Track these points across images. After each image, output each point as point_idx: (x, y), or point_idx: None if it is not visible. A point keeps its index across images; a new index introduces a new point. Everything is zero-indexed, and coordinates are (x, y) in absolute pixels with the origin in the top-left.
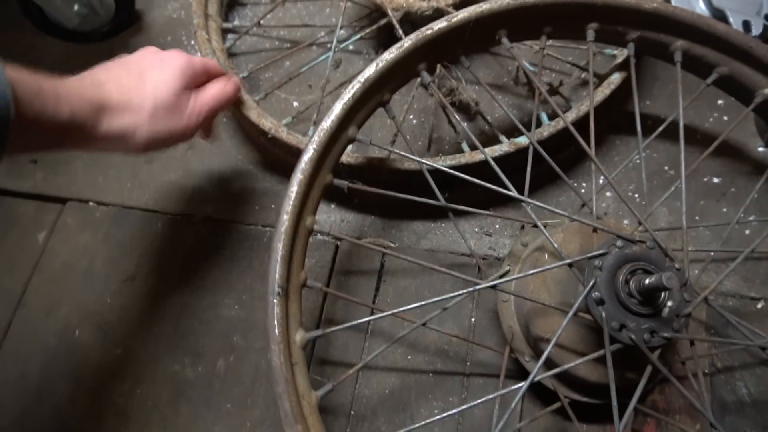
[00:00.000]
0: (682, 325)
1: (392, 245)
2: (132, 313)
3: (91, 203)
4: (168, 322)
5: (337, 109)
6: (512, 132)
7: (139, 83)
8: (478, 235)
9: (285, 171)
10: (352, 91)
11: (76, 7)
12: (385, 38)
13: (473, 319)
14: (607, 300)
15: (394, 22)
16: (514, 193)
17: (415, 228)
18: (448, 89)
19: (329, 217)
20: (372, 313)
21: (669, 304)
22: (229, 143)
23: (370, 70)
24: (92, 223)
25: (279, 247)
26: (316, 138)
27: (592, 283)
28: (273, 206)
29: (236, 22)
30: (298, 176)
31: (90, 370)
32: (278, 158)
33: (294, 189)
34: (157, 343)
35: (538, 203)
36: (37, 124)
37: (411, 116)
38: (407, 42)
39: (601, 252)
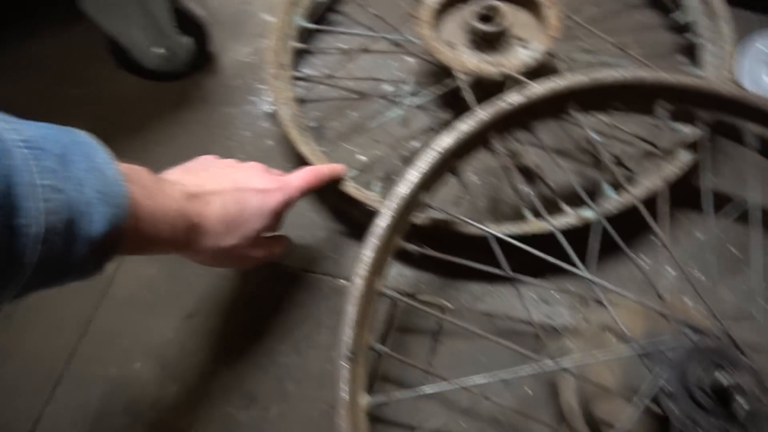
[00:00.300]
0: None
1: (449, 306)
2: (190, 350)
3: None
4: (224, 364)
5: (413, 175)
6: (571, 198)
7: (238, 219)
8: (536, 302)
9: (346, 221)
10: (430, 160)
11: (158, 50)
12: (452, 98)
13: (529, 390)
14: (678, 394)
15: (463, 85)
16: (583, 273)
17: (473, 289)
18: (511, 152)
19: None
20: (427, 376)
21: (744, 406)
22: None
23: (448, 140)
24: (159, 258)
25: (352, 311)
26: (393, 204)
27: (661, 374)
28: (334, 255)
29: (306, 70)
30: (374, 241)
31: (147, 403)
32: (340, 208)
33: (368, 253)
34: (213, 383)
35: (606, 284)
36: (138, 240)
37: (471, 176)
38: (483, 114)
39: (671, 342)
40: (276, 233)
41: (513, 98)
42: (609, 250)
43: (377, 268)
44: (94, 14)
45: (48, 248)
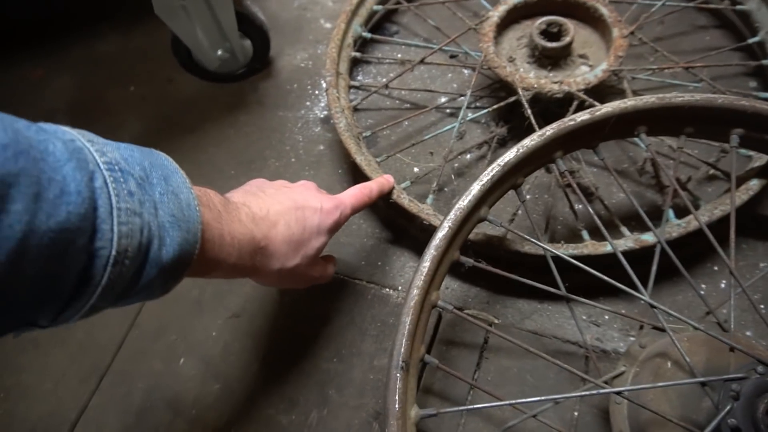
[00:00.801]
0: None
1: (496, 321)
2: (234, 350)
3: None
4: (267, 365)
5: (475, 189)
6: (629, 219)
7: (301, 239)
8: (586, 323)
9: (394, 230)
10: (491, 174)
11: (219, 52)
12: (507, 112)
13: (576, 413)
14: (744, 428)
15: (524, 101)
16: (643, 296)
17: (520, 306)
18: (569, 170)
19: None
20: (470, 391)
21: None
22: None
23: (511, 155)
24: None
25: (407, 321)
26: (452, 216)
27: (728, 408)
28: (379, 263)
29: (361, 78)
30: (432, 252)
31: (190, 399)
32: (390, 217)
33: (426, 265)
34: (255, 385)
35: (668, 310)
36: (206, 262)
37: (527, 193)
38: (549, 131)
39: (739, 376)
40: (325, 254)
41: (580, 117)
42: (664, 276)
43: (434, 280)
44: (164, 16)
45: (118, 270)
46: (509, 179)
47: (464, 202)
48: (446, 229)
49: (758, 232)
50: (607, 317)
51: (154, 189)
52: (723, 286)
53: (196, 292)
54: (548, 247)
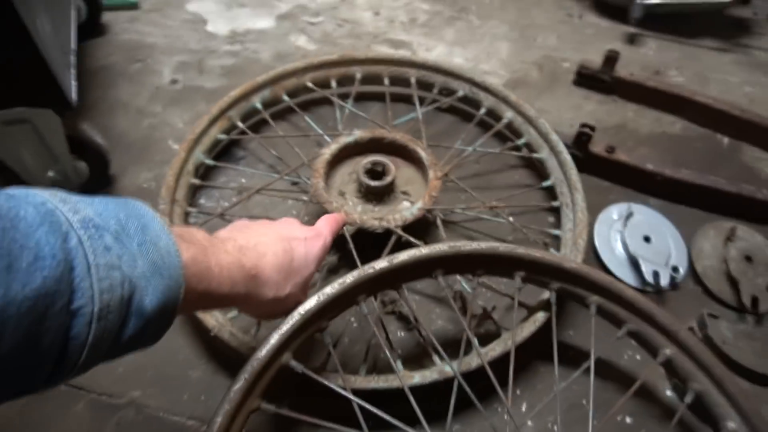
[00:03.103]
0: None
1: None
2: None
3: None
4: None
5: (274, 339)
6: (446, 346)
7: (290, 268)
8: None
9: (222, 361)
10: (291, 323)
11: (51, 173)
12: (338, 241)
13: None
14: None
15: (347, 235)
16: None
17: None
18: (390, 299)
19: (258, 416)
20: None
21: None
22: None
23: (311, 303)
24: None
25: None
26: (248, 368)
27: None
28: (203, 398)
29: (203, 202)
30: (225, 407)
31: None
32: (217, 348)
33: (218, 420)
34: None
35: None
36: (199, 296)
37: (352, 319)
38: (349, 278)
39: None
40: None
41: (379, 265)
42: (480, 399)
43: None
44: None
45: (102, 326)
46: (313, 324)
47: (262, 352)
48: (242, 381)
49: (553, 356)
50: None
51: (131, 240)
52: (524, 409)
53: None
54: (352, 396)
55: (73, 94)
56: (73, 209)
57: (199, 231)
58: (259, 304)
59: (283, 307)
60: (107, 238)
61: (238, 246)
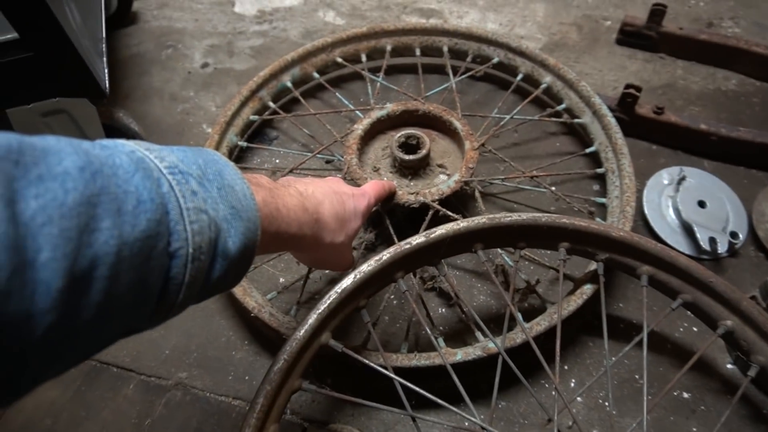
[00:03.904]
0: None
1: None
2: None
3: None
4: None
5: (312, 319)
6: (489, 321)
7: (344, 217)
8: (446, 430)
9: (264, 342)
10: (328, 302)
11: None
12: (375, 219)
13: None
14: None
15: (382, 211)
16: (476, 420)
17: (384, 418)
18: (430, 275)
19: (300, 396)
20: None
21: None
22: (213, 307)
23: (348, 281)
24: (63, 379)
25: None
26: (287, 348)
27: None
28: (247, 378)
29: None
30: (266, 387)
31: None
32: (258, 330)
33: (260, 401)
34: None
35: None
36: (270, 236)
37: (392, 297)
38: (386, 255)
39: None
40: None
41: (416, 240)
42: (525, 375)
43: (269, 415)
44: (23, 130)
45: (196, 267)
46: (350, 303)
47: (301, 332)
48: (281, 362)
49: (602, 329)
50: (467, 423)
51: (212, 185)
52: (573, 385)
53: (48, 421)
54: (393, 375)
55: (106, 82)
56: (159, 156)
57: (262, 176)
58: (319, 247)
59: (335, 256)
60: (192, 183)
61: (299, 192)
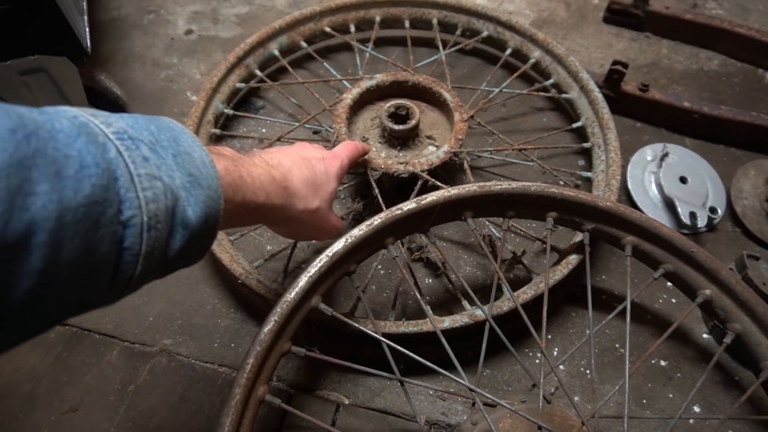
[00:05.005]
0: None
1: (346, 401)
2: None
3: None
4: None
5: (302, 281)
6: (476, 291)
7: (315, 182)
8: (432, 398)
9: (250, 310)
10: (319, 265)
11: None
12: (363, 189)
13: None
14: None
15: (372, 180)
16: (462, 381)
17: (370, 384)
18: (418, 246)
19: (286, 362)
20: None
21: None
22: (198, 275)
23: (339, 245)
24: (44, 344)
25: (226, 423)
26: (278, 310)
27: None
28: (232, 345)
29: None
30: (256, 348)
31: None
32: (245, 297)
33: (250, 361)
34: None
35: (483, 393)
36: (236, 208)
37: (379, 266)
38: (377, 220)
39: None
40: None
41: (407, 206)
42: (505, 347)
43: (260, 376)
44: (4, 92)
45: (153, 236)
46: (340, 267)
47: (291, 294)
48: (272, 323)
49: (585, 300)
50: (453, 388)
51: (166, 152)
52: (556, 353)
53: (28, 386)
54: (382, 339)
55: (87, 41)
56: (106, 122)
57: (225, 148)
58: (293, 217)
59: (315, 223)
60: (143, 148)
61: (264, 161)
